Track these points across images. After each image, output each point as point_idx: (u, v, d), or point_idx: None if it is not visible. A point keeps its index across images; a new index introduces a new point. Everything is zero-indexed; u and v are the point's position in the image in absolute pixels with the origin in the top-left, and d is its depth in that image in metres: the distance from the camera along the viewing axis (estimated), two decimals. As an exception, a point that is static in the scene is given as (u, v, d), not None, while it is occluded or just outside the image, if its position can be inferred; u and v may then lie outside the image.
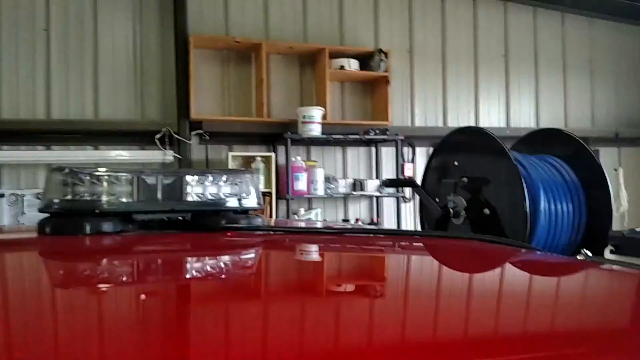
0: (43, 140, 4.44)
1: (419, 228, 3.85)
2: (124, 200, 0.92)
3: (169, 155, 4.53)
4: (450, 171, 2.87)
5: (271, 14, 4.97)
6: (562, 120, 6.02)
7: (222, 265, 0.76)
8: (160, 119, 4.62)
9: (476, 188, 2.66)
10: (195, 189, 0.96)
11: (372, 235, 1.14)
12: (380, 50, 5.00)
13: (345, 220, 5.13)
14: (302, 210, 4.94)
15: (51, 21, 4.44)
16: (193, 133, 4.67)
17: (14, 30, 4.36)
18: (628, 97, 6.32)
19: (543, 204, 2.62)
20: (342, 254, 0.91)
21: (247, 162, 4.73)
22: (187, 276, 0.67)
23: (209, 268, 0.73)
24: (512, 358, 0.39)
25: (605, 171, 2.73)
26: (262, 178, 4.64)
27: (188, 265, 0.75)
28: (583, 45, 6.13)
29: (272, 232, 1.05)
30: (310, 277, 0.72)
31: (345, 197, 5.15)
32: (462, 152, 2.86)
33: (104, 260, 0.78)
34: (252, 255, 0.87)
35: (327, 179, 4.90)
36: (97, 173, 0.91)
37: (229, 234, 0.97)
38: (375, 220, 5.22)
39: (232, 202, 0.98)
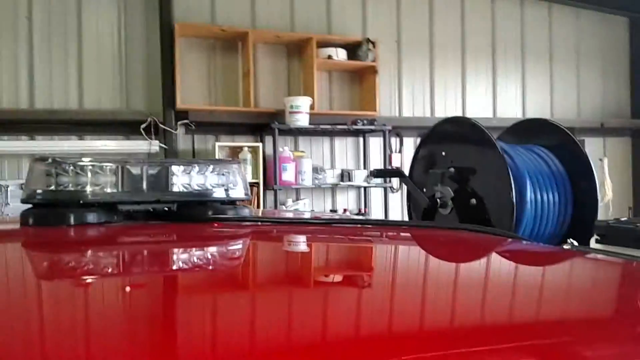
0: (27, 130, 4.38)
1: (406, 218, 3.86)
2: (109, 190, 0.90)
3: (154, 146, 4.49)
4: (437, 161, 2.88)
5: (258, 2, 4.93)
6: (549, 110, 6.06)
7: (208, 257, 0.75)
8: (146, 108, 4.58)
9: (463, 178, 2.68)
10: (181, 179, 0.95)
11: (359, 225, 1.14)
12: (368, 40, 4.99)
13: (333, 211, 5.13)
14: (289, 201, 4.93)
15: (33, 9, 4.36)
16: (179, 123, 4.63)
17: (-4, 18, 4.28)
18: (613, 88, 6.38)
19: (529, 194, 2.64)
20: (330, 245, 0.91)
21: (234, 152, 4.71)
22: (173, 268, 0.67)
23: (194, 259, 0.72)
24: (498, 347, 0.39)
25: (590, 161, 2.75)
26: (249, 168, 4.62)
27: (173, 257, 0.75)
28: (569, 36, 6.16)
29: (259, 223, 1.05)
30: (297, 268, 0.72)
31: (333, 188, 5.15)
32: (449, 142, 2.87)
33: (88, 252, 0.77)
34: (239, 246, 0.87)
35: (315, 170, 4.89)
36: (80, 163, 0.90)
37: (215, 224, 0.96)
38: (363, 210, 5.24)
39: (218, 193, 0.97)
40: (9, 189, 4.22)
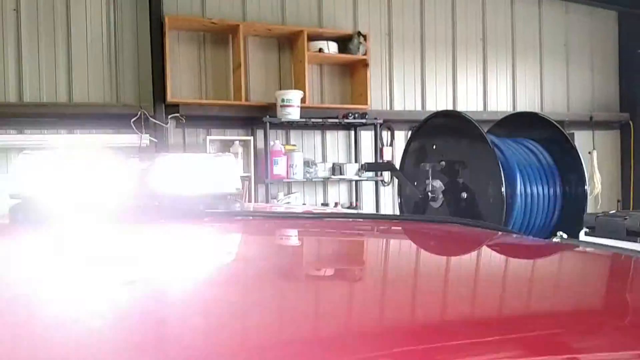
0: (15, 124, 4.33)
1: (397, 211, 3.87)
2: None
3: (145, 139, 4.46)
4: (428, 155, 2.89)
5: (249, -5, 4.90)
6: (538, 103, 6.09)
7: (199, 251, 0.75)
8: (136, 102, 4.54)
9: (454, 171, 2.69)
10: (173, 173, 0.95)
11: (351, 219, 1.14)
12: (359, 33, 4.97)
13: (325, 205, 5.14)
14: (281, 195, 4.93)
15: (21, 1, 4.31)
16: (170, 116, 4.60)
17: (-18, 11, 4.23)
18: (602, 81, 6.42)
19: (519, 187, 2.65)
20: (322, 239, 0.91)
21: (226, 146, 4.69)
22: (164, 262, 0.67)
23: (184, 254, 0.72)
24: (487, 339, 0.39)
25: (580, 155, 2.77)
26: (240, 162, 4.60)
27: (163, 250, 0.74)
28: (559, 30, 6.18)
29: (250, 217, 1.05)
30: (287, 262, 0.72)
31: (325, 181, 5.15)
32: (440, 135, 2.88)
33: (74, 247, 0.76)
34: (231, 240, 0.87)
35: (306, 163, 4.88)
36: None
37: (206, 219, 0.96)
38: (354, 204, 5.24)
39: (210, 187, 0.97)
40: (-3, 183, 4.17)
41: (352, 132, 5.30)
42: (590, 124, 6.17)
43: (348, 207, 5.14)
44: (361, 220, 1.13)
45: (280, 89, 4.80)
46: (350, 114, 4.91)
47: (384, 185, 5.32)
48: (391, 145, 5.43)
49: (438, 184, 2.70)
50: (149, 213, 0.96)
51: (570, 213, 2.74)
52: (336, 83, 5.23)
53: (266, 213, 1.19)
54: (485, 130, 2.73)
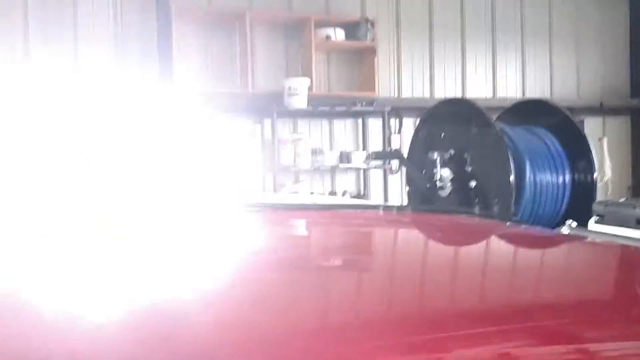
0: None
1: (405, 201, 3.87)
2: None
3: (153, 128, 4.47)
4: (436, 143, 2.87)
5: (255, -18, 4.86)
6: (548, 90, 6.02)
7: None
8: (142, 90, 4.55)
9: (462, 160, 2.67)
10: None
11: (361, 210, 1.14)
12: (367, 20, 4.93)
13: (333, 193, 5.13)
14: (288, 183, 4.93)
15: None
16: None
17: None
18: (613, 67, 6.33)
19: (528, 175, 2.63)
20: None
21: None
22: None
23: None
24: (492, 330, 0.39)
25: (590, 142, 2.74)
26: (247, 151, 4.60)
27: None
28: (569, 15, 6.09)
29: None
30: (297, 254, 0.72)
31: (332, 170, 5.14)
32: (449, 123, 2.86)
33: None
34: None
35: (314, 152, 4.87)
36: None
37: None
38: (362, 192, 5.23)
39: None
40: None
41: (360, 120, 5.28)
42: (600, 110, 6.10)
43: (354, 196, 5.13)
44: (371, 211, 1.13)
45: (287, 77, 4.78)
46: (358, 102, 4.88)
47: (392, 174, 5.30)
48: (399, 132, 5.40)
49: (446, 172, 2.69)
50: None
51: (579, 201, 2.72)
52: (344, 70, 5.20)
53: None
54: (495, 118, 2.71)
